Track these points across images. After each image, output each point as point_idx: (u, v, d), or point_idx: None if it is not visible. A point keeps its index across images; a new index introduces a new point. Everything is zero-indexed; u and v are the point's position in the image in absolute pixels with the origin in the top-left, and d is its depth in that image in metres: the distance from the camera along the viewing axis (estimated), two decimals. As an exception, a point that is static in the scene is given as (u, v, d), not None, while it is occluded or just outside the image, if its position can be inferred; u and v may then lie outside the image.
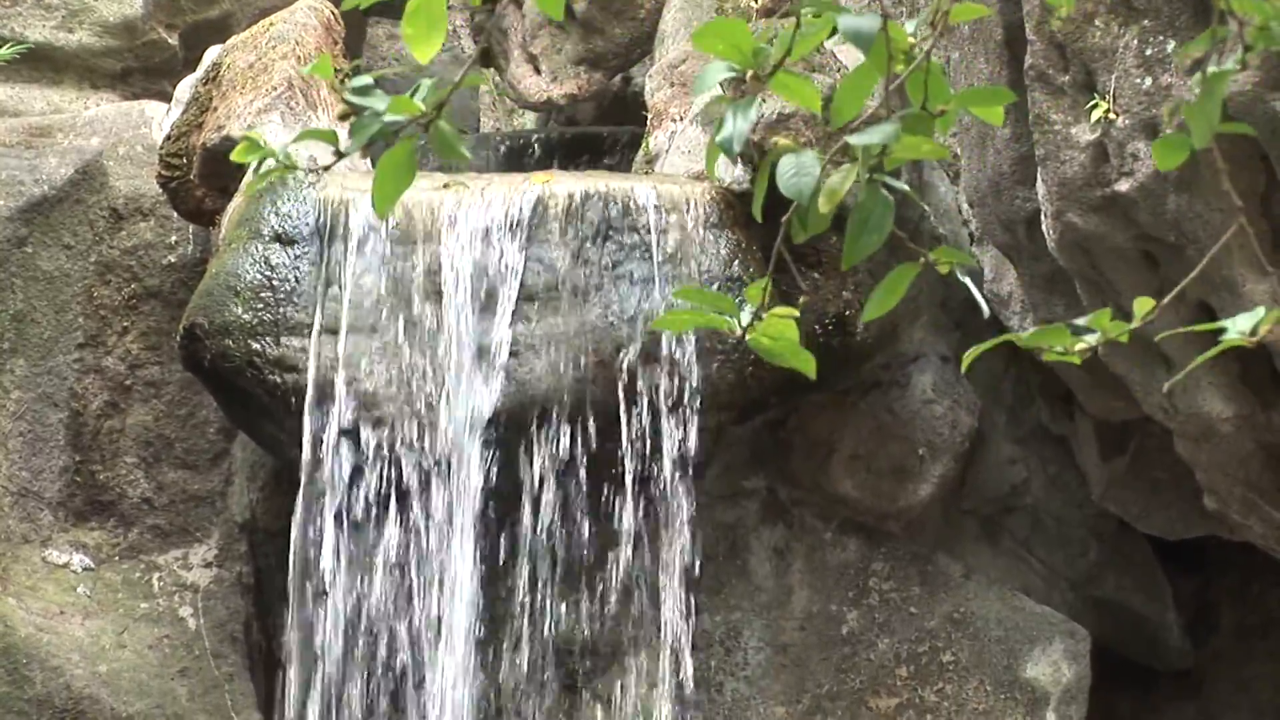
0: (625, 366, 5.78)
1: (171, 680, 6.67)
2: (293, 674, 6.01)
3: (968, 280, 2.70)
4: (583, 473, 5.81)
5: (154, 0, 7.80)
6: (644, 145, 6.51)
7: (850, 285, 6.01)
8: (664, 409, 5.79)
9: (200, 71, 6.64)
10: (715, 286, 5.80)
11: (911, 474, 6.47)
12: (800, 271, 5.90)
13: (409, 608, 5.91)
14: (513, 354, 5.79)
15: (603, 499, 5.87)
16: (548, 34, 7.63)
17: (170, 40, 7.78)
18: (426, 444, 5.77)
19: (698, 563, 6.04)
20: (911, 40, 2.46)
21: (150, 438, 6.87)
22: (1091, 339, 2.71)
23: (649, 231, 5.87)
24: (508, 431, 5.77)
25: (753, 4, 6.50)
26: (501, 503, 5.85)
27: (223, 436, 6.87)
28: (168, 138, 6.54)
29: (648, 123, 6.54)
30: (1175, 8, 5.01)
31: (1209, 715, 7.14)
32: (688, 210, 5.90)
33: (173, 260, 6.91)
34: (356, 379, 5.79)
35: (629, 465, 5.82)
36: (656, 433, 5.81)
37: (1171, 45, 5.00)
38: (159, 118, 6.99)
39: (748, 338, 2.49)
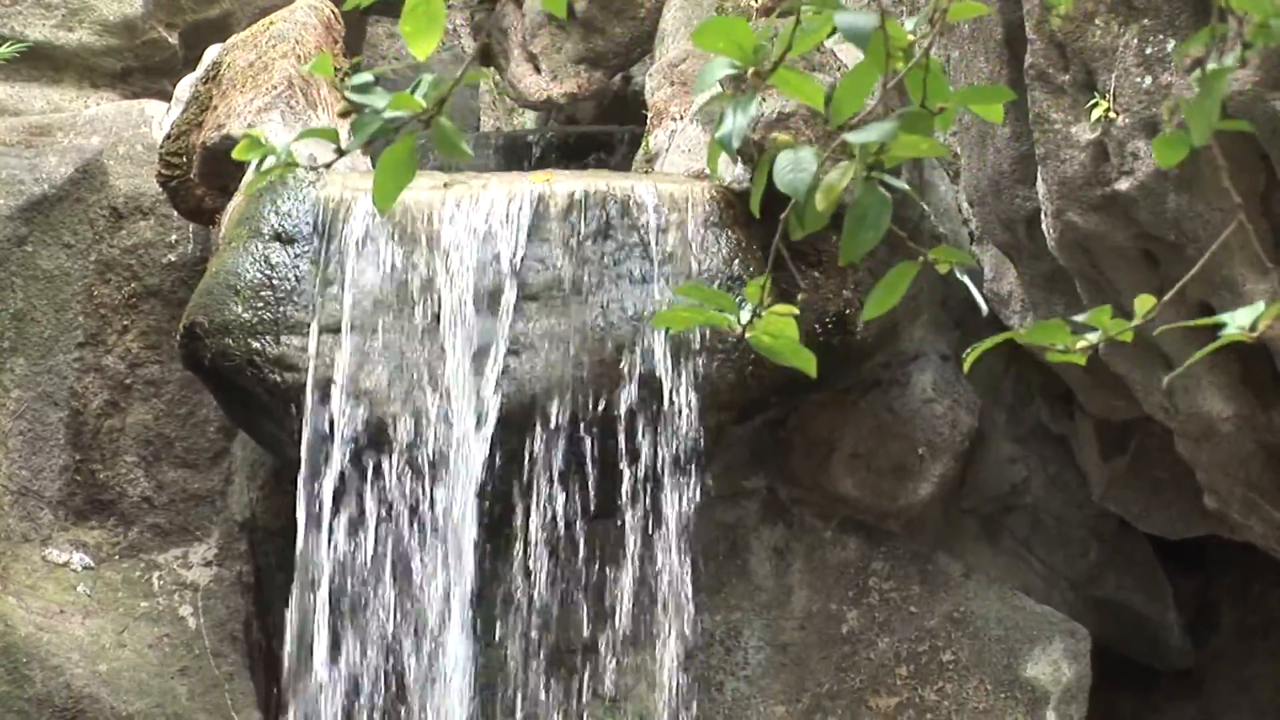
0: (625, 365, 5.78)
1: (171, 679, 6.67)
2: (290, 674, 6.01)
3: (966, 279, 2.70)
4: (582, 471, 5.82)
5: (154, -1, 7.80)
6: (644, 144, 6.52)
7: (850, 284, 6.01)
8: (664, 408, 5.79)
9: (200, 70, 6.64)
10: (715, 285, 5.79)
11: (911, 473, 6.47)
12: (800, 270, 5.90)
13: (408, 606, 5.91)
14: (513, 353, 5.79)
15: (602, 497, 5.87)
16: (548, 33, 7.63)
17: (170, 39, 7.78)
18: (426, 442, 5.77)
19: (698, 562, 6.04)
20: (911, 37, 2.45)
21: (150, 436, 6.88)
22: (1092, 337, 2.71)
23: (649, 231, 5.87)
24: (508, 430, 5.77)
25: (752, 3, 6.50)
26: (501, 501, 5.86)
27: (223, 435, 6.87)
28: (168, 137, 6.54)
29: (648, 122, 6.54)
30: (1175, 7, 5.01)
31: (1210, 715, 7.14)
32: (688, 209, 5.90)
33: (173, 259, 6.91)
34: (356, 378, 5.79)
35: (629, 464, 5.82)
36: (656, 432, 5.81)
37: (1171, 44, 5.01)
38: (159, 117, 6.99)
39: (748, 335, 2.49)
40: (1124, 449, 6.48)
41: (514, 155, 7.58)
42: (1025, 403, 6.71)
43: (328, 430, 5.80)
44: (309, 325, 5.86)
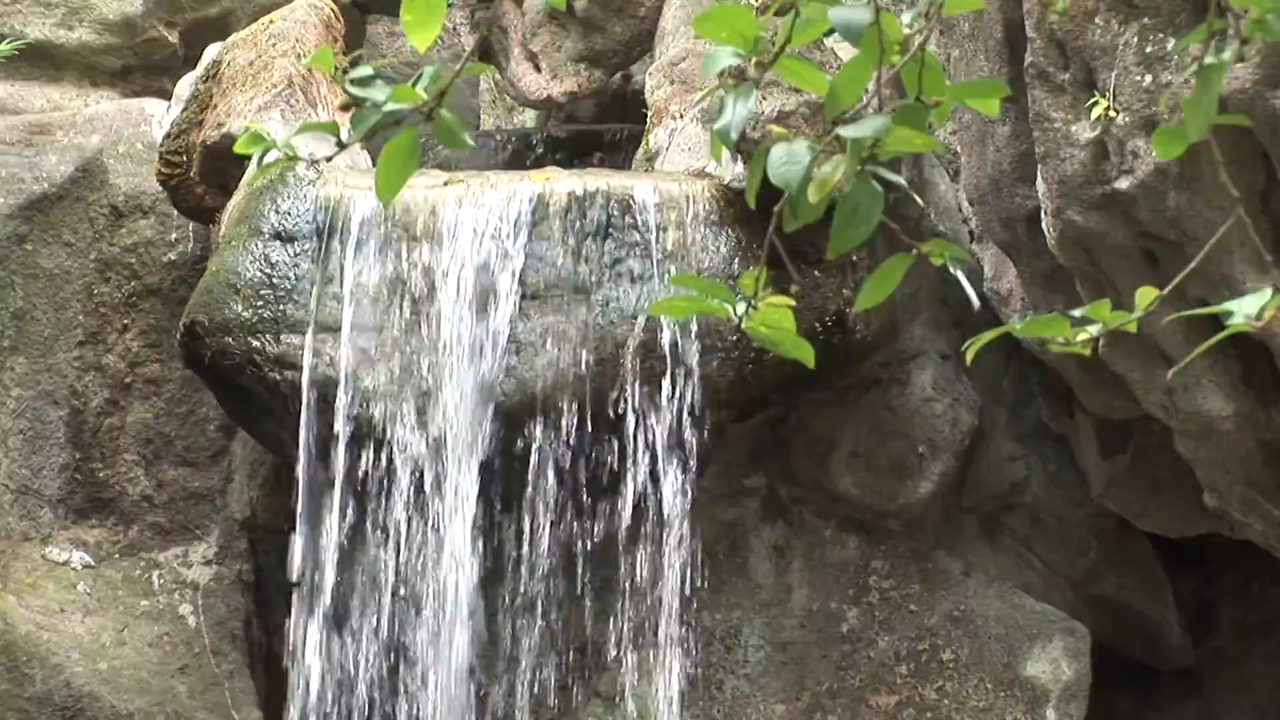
0: (625, 364, 5.78)
1: (171, 678, 6.67)
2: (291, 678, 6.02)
3: (960, 274, 2.69)
4: (582, 470, 5.82)
5: (154, -3, 7.80)
6: (644, 143, 6.51)
7: (850, 283, 6.01)
8: (664, 407, 5.79)
9: (200, 69, 6.64)
10: (715, 284, 5.79)
11: (911, 472, 6.47)
12: (800, 269, 5.90)
13: (408, 604, 5.91)
14: (513, 351, 5.79)
15: (602, 496, 5.87)
16: (548, 32, 7.63)
17: (170, 38, 7.77)
18: (426, 441, 5.77)
19: (698, 560, 6.04)
20: (906, 31, 2.45)
21: (150, 435, 6.88)
22: (1093, 329, 2.71)
23: (649, 229, 5.87)
24: (508, 428, 5.77)
25: (752, 1, 6.50)
26: (501, 499, 5.86)
27: (223, 434, 6.87)
28: (168, 135, 6.55)
29: (648, 120, 6.54)
30: (1175, 5, 5.01)
31: (1209, 714, 7.14)
32: (688, 208, 5.90)
33: (173, 258, 6.91)
34: (356, 376, 5.80)
35: (629, 463, 5.82)
36: (656, 430, 5.81)
37: (1172, 43, 5.01)
38: (159, 115, 6.99)
39: (745, 326, 2.49)
40: (1124, 448, 6.48)
41: (515, 154, 7.58)
42: (1025, 401, 6.72)
43: (327, 428, 5.80)
44: (309, 324, 5.86)
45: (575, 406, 5.77)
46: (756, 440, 6.52)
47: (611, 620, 6.11)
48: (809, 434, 6.51)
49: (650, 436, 5.82)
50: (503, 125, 8.83)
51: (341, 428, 5.77)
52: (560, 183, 5.96)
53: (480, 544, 5.85)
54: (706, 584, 6.23)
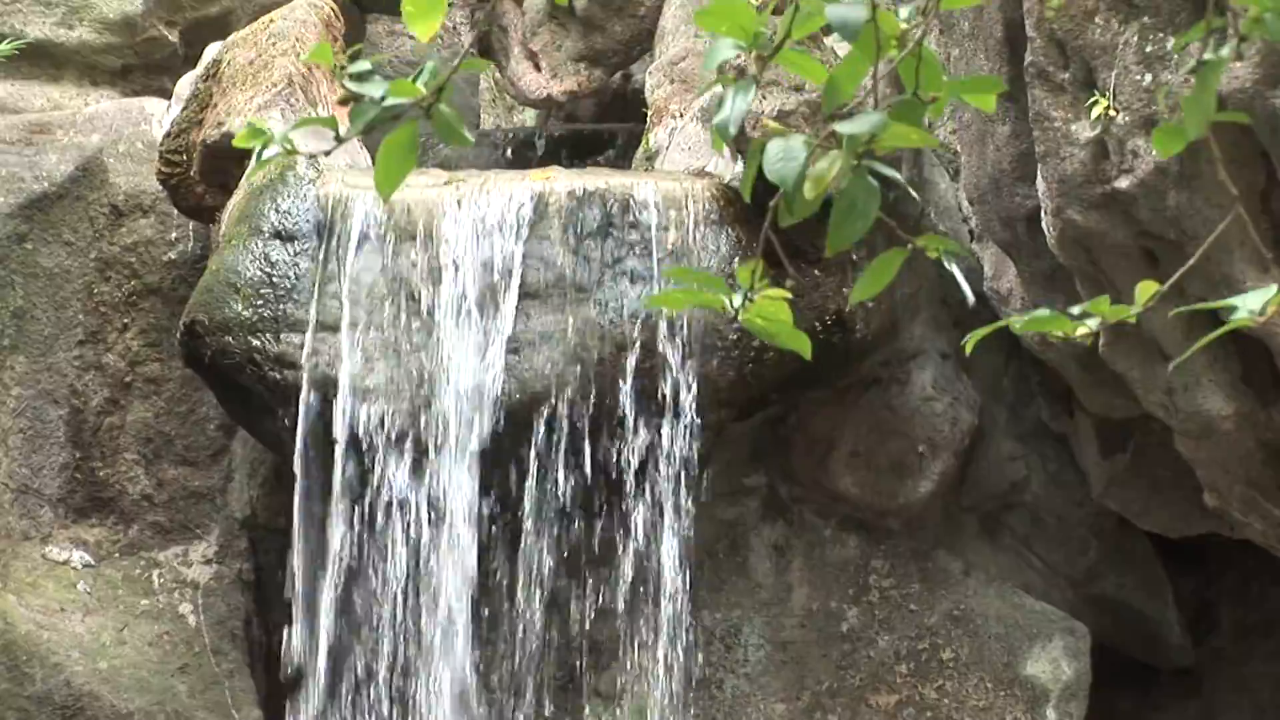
0: (625, 363, 5.79)
1: (172, 677, 6.67)
2: (291, 672, 6.02)
3: (954, 268, 2.69)
4: (582, 469, 5.82)
5: (154, -3, 7.80)
6: (644, 142, 6.52)
7: (850, 282, 6.01)
8: (664, 406, 5.80)
9: (200, 68, 6.64)
10: (715, 283, 5.78)
11: (911, 471, 6.47)
12: (800, 268, 5.90)
13: (407, 603, 5.91)
14: (513, 350, 5.79)
15: (602, 495, 5.87)
16: (548, 31, 7.63)
17: (170, 37, 7.78)
18: (425, 440, 5.77)
19: (698, 560, 6.04)
20: (904, 25, 2.45)
21: (150, 434, 6.88)
22: (1092, 323, 2.71)
23: (649, 228, 5.87)
24: (508, 428, 5.78)
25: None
26: (501, 499, 5.86)
27: (223, 433, 6.87)
28: (168, 134, 6.55)
29: (648, 120, 6.54)
30: (1175, 4, 5.01)
31: (1209, 713, 7.14)
32: (688, 207, 5.90)
33: (173, 257, 6.92)
34: (356, 375, 5.80)
35: (629, 461, 5.82)
36: (656, 429, 5.81)
37: (1172, 42, 5.01)
38: (159, 114, 6.99)
39: (742, 318, 2.49)
40: (1124, 447, 6.48)
41: (515, 153, 7.58)
42: (1025, 401, 6.72)
43: (326, 428, 5.80)
44: (309, 323, 5.86)
45: (575, 406, 5.77)
46: (756, 439, 6.52)
47: (611, 620, 6.11)
48: (809, 433, 6.51)
49: (650, 435, 5.82)
50: (503, 124, 8.83)
51: (341, 426, 5.77)
52: (560, 182, 5.96)
53: (479, 541, 5.85)
54: (706, 583, 6.23)
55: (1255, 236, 4.78)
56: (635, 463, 5.83)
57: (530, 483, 5.82)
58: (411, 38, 8.37)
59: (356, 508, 5.85)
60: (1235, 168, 4.96)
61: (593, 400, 5.79)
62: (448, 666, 5.92)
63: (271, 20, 6.53)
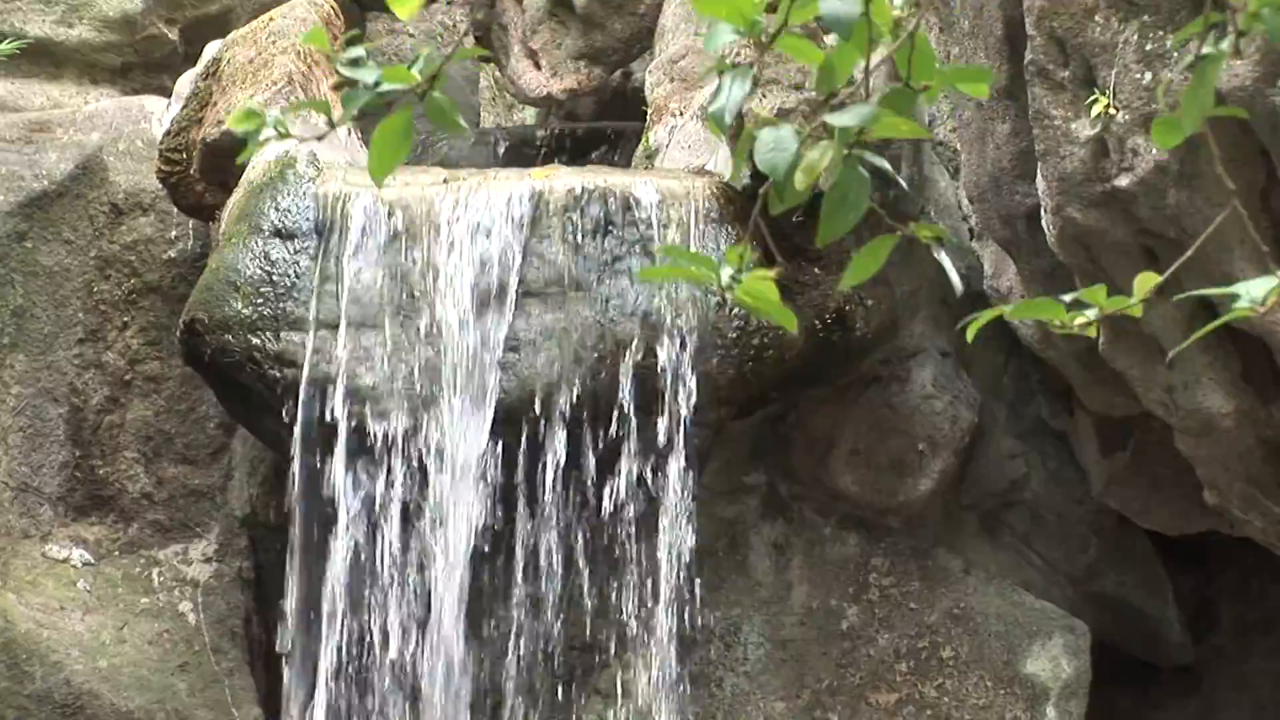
0: (625, 361, 5.79)
1: (171, 675, 6.68)
2: (291, 674, 6.02)
3: (942, 256, 2.70)
4: (582, 467, 5.82)
5: (154, -5, 7.81)
6: (644, 140, 6.52)
7: (850, 280, 6.00)
8: (664, 403, 5.80)
9: (200, 66, 6.64)
10: (715, 281, 5.78)
11: (911, 469, 6.48)
12: (800, 266, 5.91)
13: (407, 601, 5.91)
14: (512, 349, 5.80)
15: (602, 493, 5.87)
16: (548, 29, 7.64)
17: (170, 35, 7.78)
18: (426, 438, 5.78)
19: (697, 558, 6.04)
20: (897, 13, 2.45)
21: (150, 433, 6.89)
22: (1090, 313, 2.72)
23: (649, 226, 5.87)
24: (507, 426, 5.78)
25: (753, -1, 6.49)
26: (500, 497, 5.86)
27: (223, 431, 6.88)
28: (168, 133, 6.55)
29: (648, 118, 6.55)
30: (1175, 3, 5.02)
31: (1209, 711, 7.15)
32: (688, 205, 5.91)
33: (173, 255, 6.92)
34: (356, 374, 5.80)
35: (629, 460, 5.83)
36: (656, 427, 5.81)
37: (1171, 41, 5.01)
38: (159, 113, 7.00)
39: (732, 295, 2.50)
40: (1124, 445, 6.49)
41: (515, 151, 7.59)
42: (1025, 399, 6.72)
43: (325, 426, 5.81)
44: (309, 321, 5.86)
45: (575, 404, 5.78)
46: (756, 437, 6.53)
47: (611, 618, 6.11)
48: (809, 431, 6.51)
49: (650, 433, 5.83)
50: (503, 123, 8.84)
51: (340, 424, 5.78)
52: (560, 180, 5.97)
53: (479, 539, 5.85)
54: (706, 581, 6.23)
55: (1255, 234, 4.79)
56: (635, 461, 5.83)
57: (529, 480, 5.83)
58: (412, 35, 8.37)
59: (356, 506, 5.85)
60: (1235, 166, 4.97)
61: (592, 398, 5.79)
62: (447, 664, 5.92)
63: (271, 18, 6.54)
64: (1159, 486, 6.46)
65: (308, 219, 5.94)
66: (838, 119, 2.42)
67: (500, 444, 5.79)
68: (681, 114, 6.36)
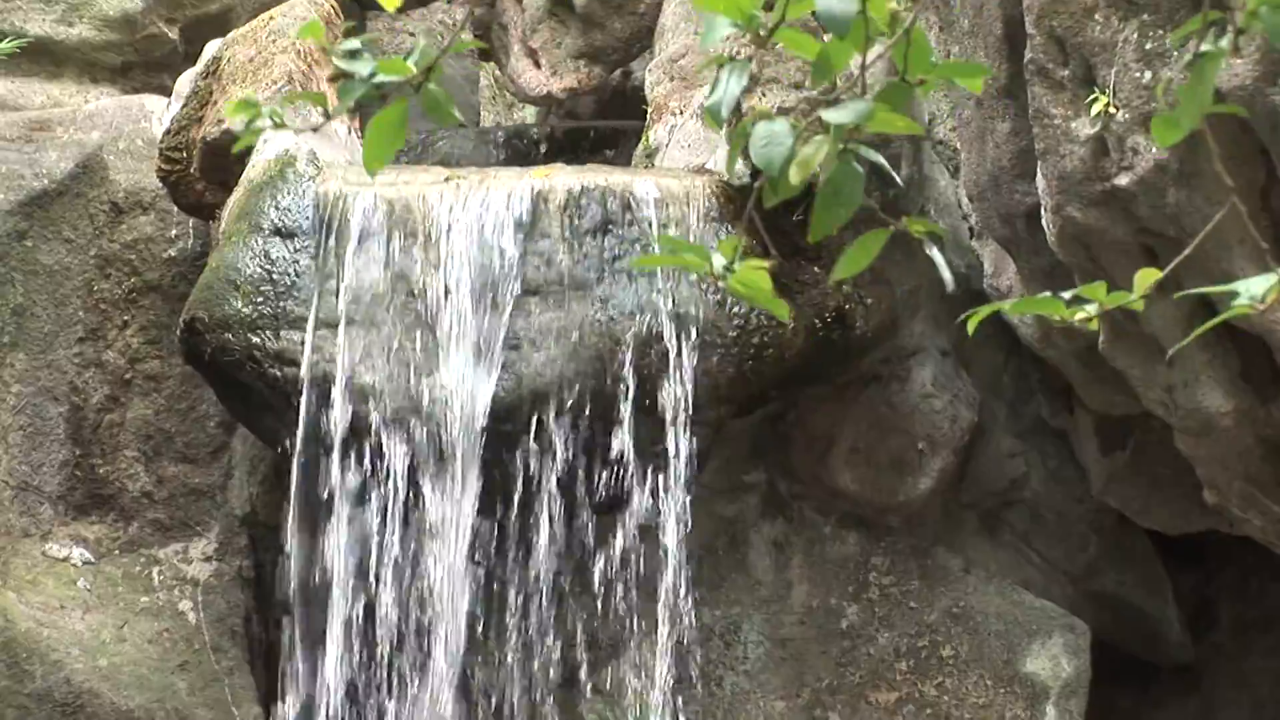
0: (625, 359, 5.79)
1: (172, 674, 6.69)
2: (292, 668, 6.03)
3: (933, 251, 2.70)
4: (582, 466, 5.83)
5: (154, -5, 7.81)
6: (644, 139, 6.53)
7: (850, 279, 6.01)
8: (664, 403, 5.80)
9: (200, 65, 6.65)
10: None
11: (911, 468, 6.49)
12: (800, 265, 5.91)
13: (406, 599, 5.92)
14: (512, 347, 5.80)
15: (601, 492, 5.88)
16: (547, 28, 7.65)
17: (170, 34, 7.79)
18: (425, 437, 5.78)
19: (697, 557, 6.05)
20: (894, 6, 2.46)
21: (150, 431, 6.90)
22: (1090, 308, 2.73)
23: (649, 225, 5.88)
24: (507, 424, 5.78)
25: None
26: (500, 495, 5.86)
27: (223, 430, 6.89)
28: (168, 132, 6.56)
29: (647, 117, 6.56)
30: (1175, 2, 5.02)
31: (1209, 709, 7.15)
32: (687, 204, 5.91)
33: (173, 254, 6.93)
34: (356, 372, 5.81)
35: (628, 458, 5.83)
36: (656, 426, 5.82)
37: (1171, 39, 5.02)
38: (159, 112, 7.00)
39: (725, 284, 2.51)
40: (1123, 444, 6.50)
41: (516, 150, 7.60)
42: (1025, 398, 6.73)
43: (325, 424, 5.81)
44: (309, 320, 5.87)
45: (574, 402, 5.78)
46: (756, 436, 6.53)
47: (611, 616, 6.12)
48: (809, 430, 6.52)
49: (650, 432, 5.83)
50: (503, 122, 8.85)
51: (340, 423, 5.78)
52: (560, 179, 5.97)
53: (478, 537, 5.85)
54: (706, 580, 6.24)
55: (1254, 232, 4.79)
56: (634, 459, 5.84)
57: (529, 479, 5.83)
58: (412, 34, 8.38)
59: (355, 504, 5.86)
60: (1235, 164, 4.97)
61: (592, 397, 5.80)
62: (447, 663, 5.93)
63: (271, 17, 6.55)
64: (1159, 485, 6.47)
65: (308, 218, 5.95)
66: (832, 115, 2.43)
67: (499, 442, 5.80)
68: (681, 113, 6.37)
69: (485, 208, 5.87)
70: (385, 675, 5.97)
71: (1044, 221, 5.55)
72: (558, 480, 5.83)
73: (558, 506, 5.87)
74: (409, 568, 5.90)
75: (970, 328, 2.89)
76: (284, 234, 5.95)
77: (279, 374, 5.88)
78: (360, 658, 5.97)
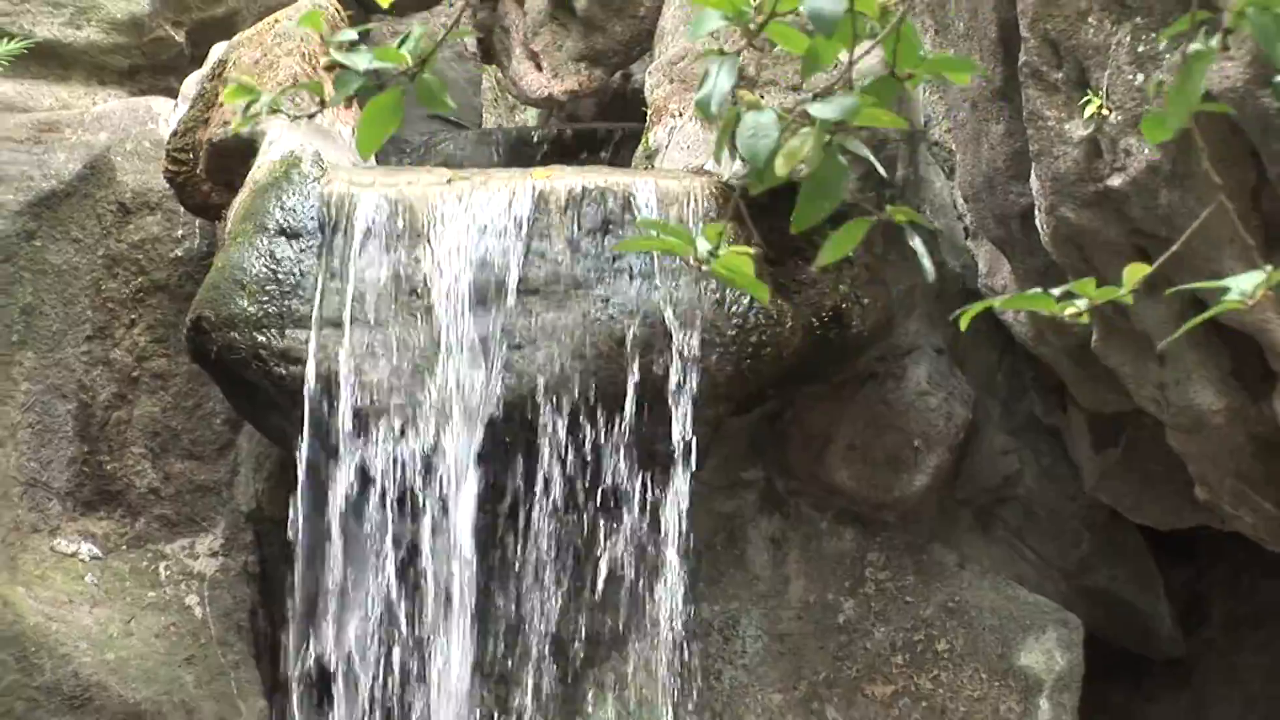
0: (625, 358, 5.81)
1: (178, 668, 6.69)
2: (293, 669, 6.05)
3: (915, 241, 2.75)
4: (582, 464, 5.84)
5: (161, -3, 7.84)
6: (644, 141, 6.53)
7: (846, 279, 6.04)
8: (663, 400, 5.82)
9: (206, 68, 6.66)
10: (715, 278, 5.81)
11: (906, 465, 6.49)
12: (797, 264, 5.93)
13: (409, 597, 5.93)
14: (513, 346, 5.81)
15: (602, 490, 5.89)
16: (549, 31, 7.67)
17: (177, 37, 7.80)
18: (428, 435, 5.80)
19: (696, 552, 6.07)
20: (884, 2, 2.50)
21: (157, 429, 6.90)
22: (1080, 303, 2.76)
23: (649, 225, 5.89)
24: (508, 423, 5.80)
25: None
26: (501, 494, 5.88)
27: (229, 427, 6.89)
28: (174, 133, 6.56)
29: (647, 119, 6.57)
30: (1167, 5, 5.02)
31: (1200, 704, 7.15)
32: (687, 204, 5.92)
33: (179, 254, 6.94)
34: (360, 371, 5.82)
35: (628, 456, 5.85)
36: (656, 424, 5.83)
37: (1165, 43, 5.03)
38: (166, 114, 7.01)
39: (709, 268, 2.54)
40: (1116, 441, 6.49)
41: (517, 151, 7.60)
42: (1018, 396, 6.73)
43: (329, 423, 5.83)
44: (314, 319, 5.88)
45: (575, 401, 5.80)
46: (754, 434, 6.55)
47: (611, 612, 6.14)
48: (806, 428, 6.53)
49: (649, 430, 5.85)
50: (504, 124, 8.87)
51: (344, 422, 5.80)
52: (560, 179, 5.98)
53: (480, 535, 5.87)
54: (705, 575, 6.26)
55: (1243, 232, 4.81)
56: (634, 457, 5.86)
57: (530, 477, 5.85)
58: (413, 37, 8.40)
59: (359, 501, 5.88)
60: (1225, 165, 4.97)
61: (592, 395, 5.81)
62: (449, 658, 5.94)
63: (277, 20, 6.56)
64: (1150, 482, 6.47)
65: (313, 218, 5.95)
66: (818, 109, 2.45)
67: (501, 439, 5.82)
68: (681, 115, 6.38)
69: (487, 208, 5.88)
70: (386, 671, 5.99)
71: (1038, 222, 5.56)
72: (558, 477, 5.85)
73: (558, 502, 5.89)
74: (411, 563, 5.91)
75: (963, 325, 2.91)
76: (289, 234, 5.96)
77: (284, 372, 5.88)
78: (360, 653, 5.98)
